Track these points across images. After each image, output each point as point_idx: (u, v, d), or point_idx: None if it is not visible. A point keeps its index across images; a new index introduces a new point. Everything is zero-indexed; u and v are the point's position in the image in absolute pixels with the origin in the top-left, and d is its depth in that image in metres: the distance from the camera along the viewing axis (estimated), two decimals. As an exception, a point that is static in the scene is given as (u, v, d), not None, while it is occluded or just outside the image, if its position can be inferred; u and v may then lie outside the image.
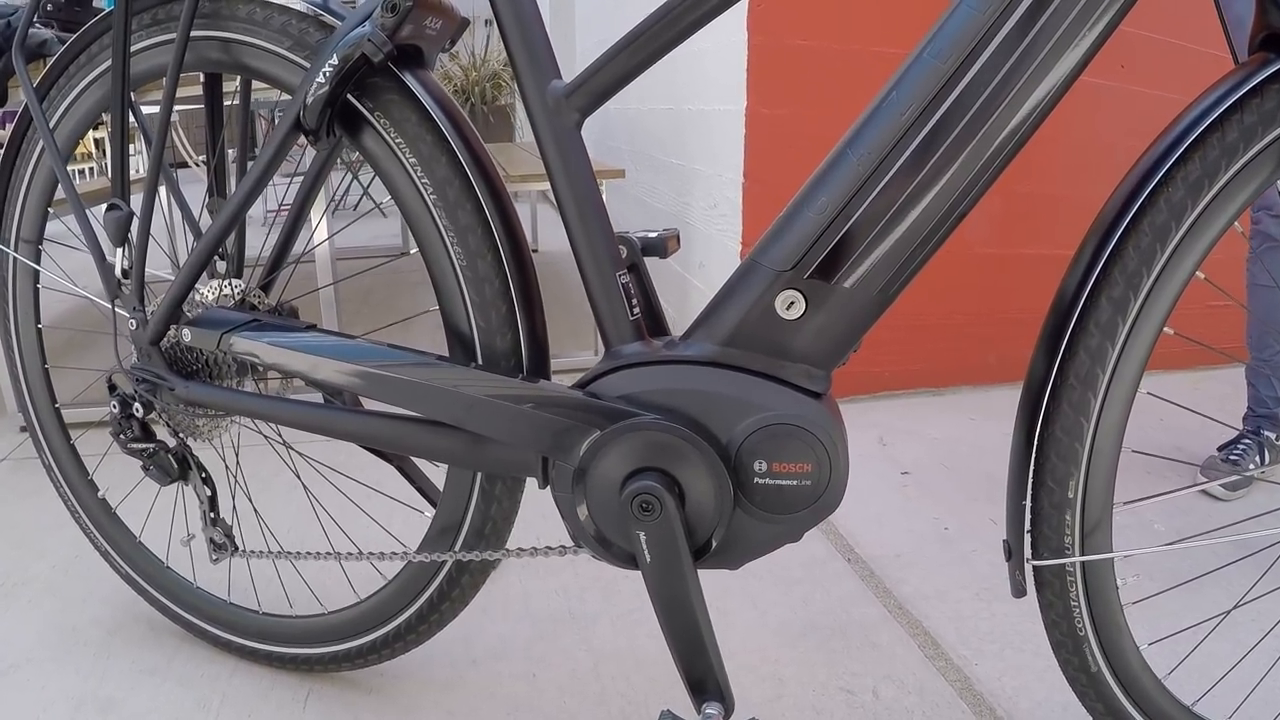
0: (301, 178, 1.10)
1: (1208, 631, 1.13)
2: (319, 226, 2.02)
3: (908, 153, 0.67)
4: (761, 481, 0.74)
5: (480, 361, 0.85)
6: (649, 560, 0.76)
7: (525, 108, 0.79)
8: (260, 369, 1.00)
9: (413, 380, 0.81)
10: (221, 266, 1.10)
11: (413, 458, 1.12)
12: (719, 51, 1.93)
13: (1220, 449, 1.65)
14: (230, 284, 1.04)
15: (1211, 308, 2.19)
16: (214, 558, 1.07)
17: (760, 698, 1.05)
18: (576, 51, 4.04)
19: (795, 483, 0.74)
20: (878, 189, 0.68)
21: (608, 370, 0.77)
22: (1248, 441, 1.62)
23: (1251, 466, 1.59)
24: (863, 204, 0.69)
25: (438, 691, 1.07)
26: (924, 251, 0.70)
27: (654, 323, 0.83)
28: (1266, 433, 1.63)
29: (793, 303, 0.72)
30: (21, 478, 1.70)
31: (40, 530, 1.47)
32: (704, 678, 0.80)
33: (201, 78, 1.08)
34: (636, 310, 0.79)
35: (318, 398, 1.02)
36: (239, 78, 1.03)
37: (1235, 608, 1.19)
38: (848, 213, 0.69)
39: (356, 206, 4.89)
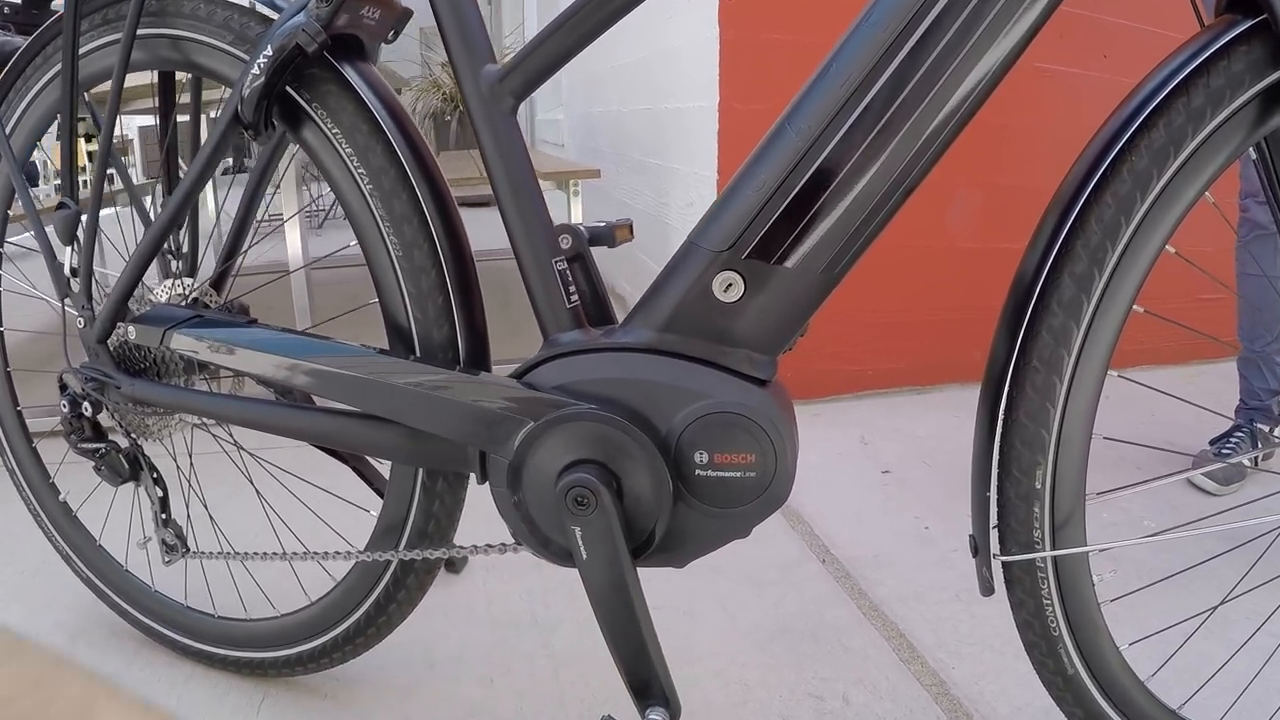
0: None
1: (1194, 629, 1.06)
2: (290, 225, 1.98)
3: (847, 125, 0.62)
4: (703, 474, 0.69)
5: (419, 354, 0.80)
6: (585, 557, 0.70)
7: (460, 93, 0.75)
8: (204, 366, 0.95)
9: (347, 373, 0.76)
10: (176, 266, 1.06)
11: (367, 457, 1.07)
12: (692, 48, 1.88)
13: (1213, 442, 1.58)
14: (182, 283, 1.01)
15: (1202, 300, 2.12)
16: (166, 559, 1.03)
17: (724, 703, 0.99)
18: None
19: (739, 474, 0.68)
20: (817, 164, 0.63)
21: (544, 360, 0.72)
22: (1241, 434, 1.55)
23: (1244, 458, 1.52)
24: (801, 179, 0.63)
25: (394, 697, 1.02)
26: (869, 228, 0.65)
27: (601, 314, 0.77)
28: (1259, 424, 1.56)
29: (730, 284, 0.66)
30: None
31: (9, 537, 1.42)
32: (648, 681, 0.74)
33: (154, 77, 1.04)
34: (575, 298, 0.74)
35: (270, 396, 0.97)
36: (190, 76, 1.00)
37: (1224, 603, 1.12)
38: (786, 189, 0.64)
39: (325, 218, 4.90)
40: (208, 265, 1.05)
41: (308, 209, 4.52)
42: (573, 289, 0.73)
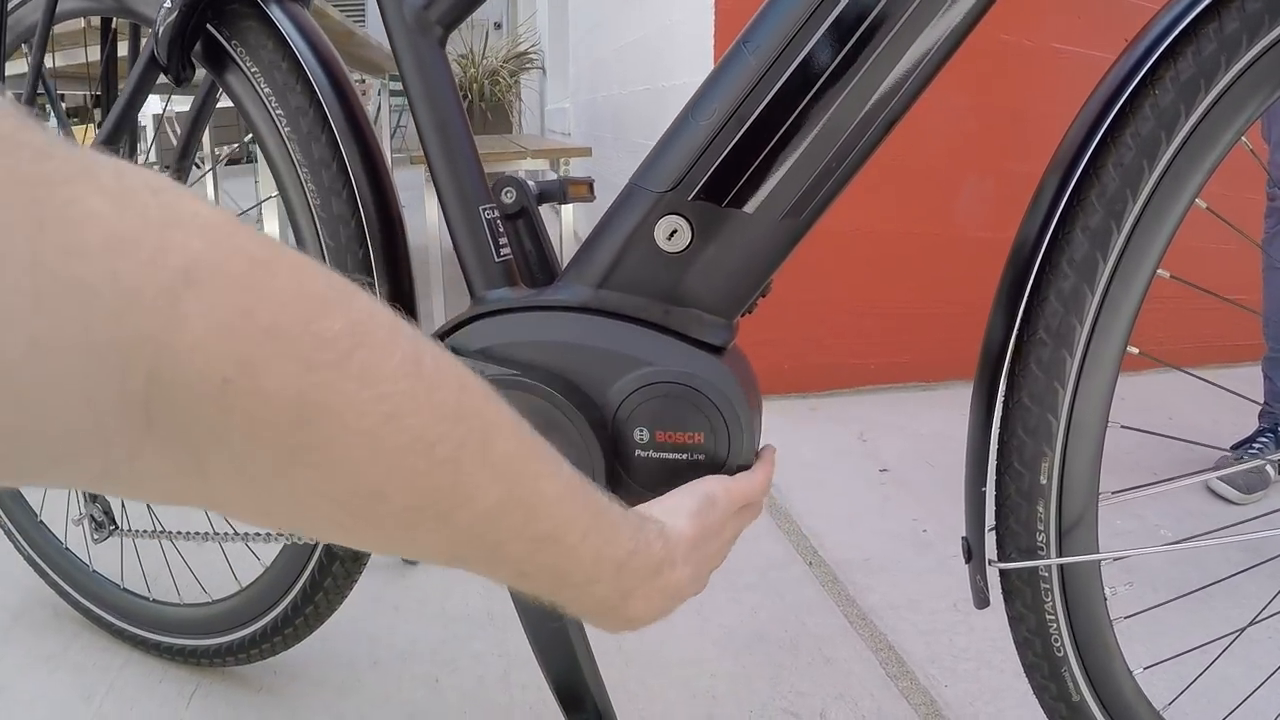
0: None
1: (1216, 653, 0.92)
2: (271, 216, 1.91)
3: (813, 41, 0.50)
4: (643, 454, 0.57)
5: (336, 313, 0.69)
6: (504, 549, 0.58)
7: (383, 23, 0.64)
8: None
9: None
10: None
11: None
12: (688, 23, 1.77)
13: (1234, 447, 1.43)
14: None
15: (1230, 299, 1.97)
16: (95, 536, 0.95)
17: (687, 717, 0.87)
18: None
19: (684, 456, 0.56)
20: (776, 87, 0.51)
21: (468, 319, 0.60)
22: (1265, 439, 1.40)
23: (1270, 468, 1.37)
24: (758, 106, 0.51)
25: (331, 694, 0.91)
26: (841, 166, 0.53)
27: (547, 276, 0.66)
28: (1285, 429, 1.41)
29: (675, 231, 0.54)
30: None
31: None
32: (579, 694, 0.62)
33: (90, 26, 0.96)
34: (506, 251, 0.62)
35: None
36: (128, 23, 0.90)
37: (1252, 624, 0.98)
38: (740, 118, 0.52)
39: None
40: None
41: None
42: (503, 240, 0.62)
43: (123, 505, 0.96)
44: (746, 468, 0.56)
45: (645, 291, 0.56)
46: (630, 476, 0.57)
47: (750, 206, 0.53)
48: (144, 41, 0.78)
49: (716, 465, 0.56)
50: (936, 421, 1.68)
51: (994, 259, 2.02)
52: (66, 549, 1.05)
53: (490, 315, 0.59)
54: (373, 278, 0.68)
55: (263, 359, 0.25)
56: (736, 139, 0.52)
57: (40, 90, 0.86)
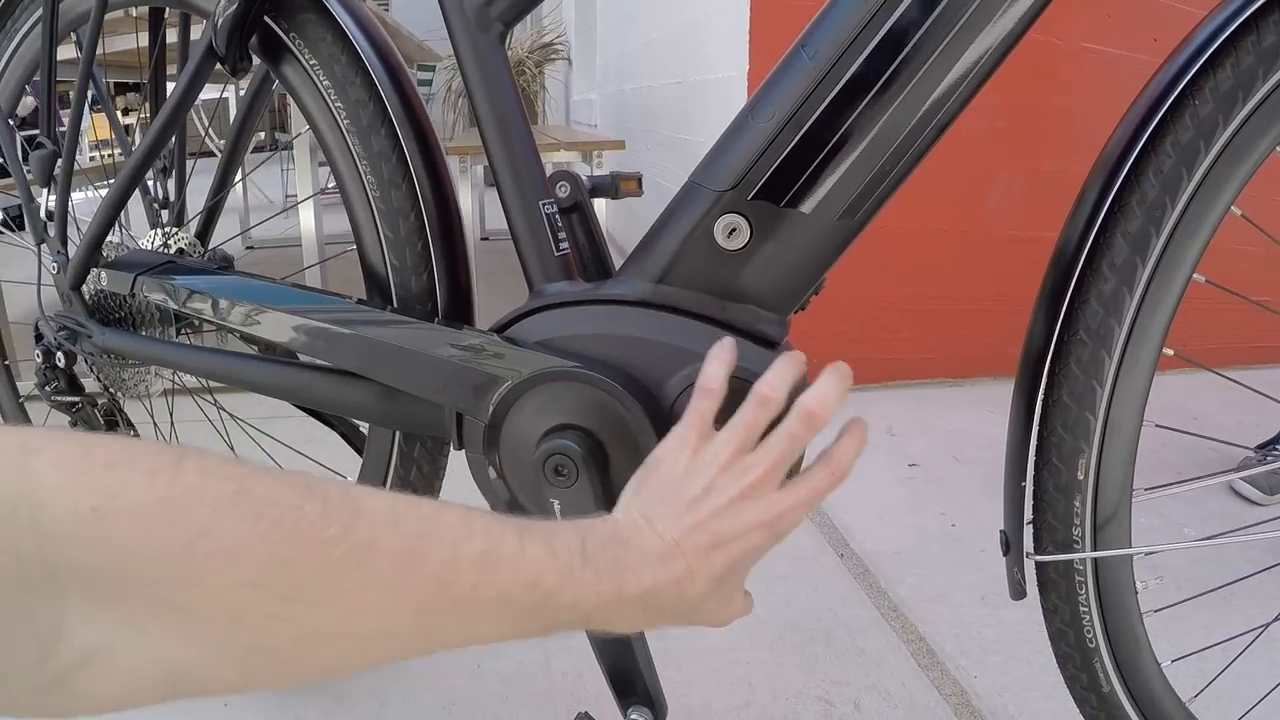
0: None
1: (1241, 648, 0.96)
2: (305, 204, 1.95)
3: (870, 48, 0.54)
4: (699, 445, 0.61)
5: (395, 304, 0.74)
6: (564, 534, 0.63)
7: (444, 20, 0.68)
8: (179, 316, 0.90)
9: (316, 324, 0.70)
10: (165, 217, 1.02)
11: (353, 421, 1.01)
12: (722, 16, 1.81)
13: (1258, 448, 1.47)
14: (167, 233, 0.96)
15: (1263, 301, 2.00)
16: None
17: (724, 705, 0.92)
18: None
19: (739, 447, 0.60)
20: (834, 92, 0.55)
21: (528, 312, 0.64)
22: (1293, 442, 1.44)
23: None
24: (816, 110, 0.56)
25: (374, 679, 0.96)
26: (895, 169, 0.57)
27: (600, 270, 0.70)
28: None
29: (734, 229, 0.58)
30: None
31: None
32: (630, 678, 0.67)
33: (140, 15, 1.00)
34: (565, 245, 0.66)
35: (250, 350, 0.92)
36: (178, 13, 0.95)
37: (1276, 620, 1.02)
38: (799, 121, 0.56)
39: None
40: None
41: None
42: (561, 235, 0.66)
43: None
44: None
45: (703, 287, 0.61)
46: (685, 465, 0.62)
47: (807, 206, 0.57)
48: (197, 31, 0.83)
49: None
50: (963, 418, 1.73)
51: (1022, 257, 2.10)
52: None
53: (550, 308, 0.64)
54: (432, 269, 0.72)
55: (116, 483, 0.30)
56: (795, 141, 0.56)
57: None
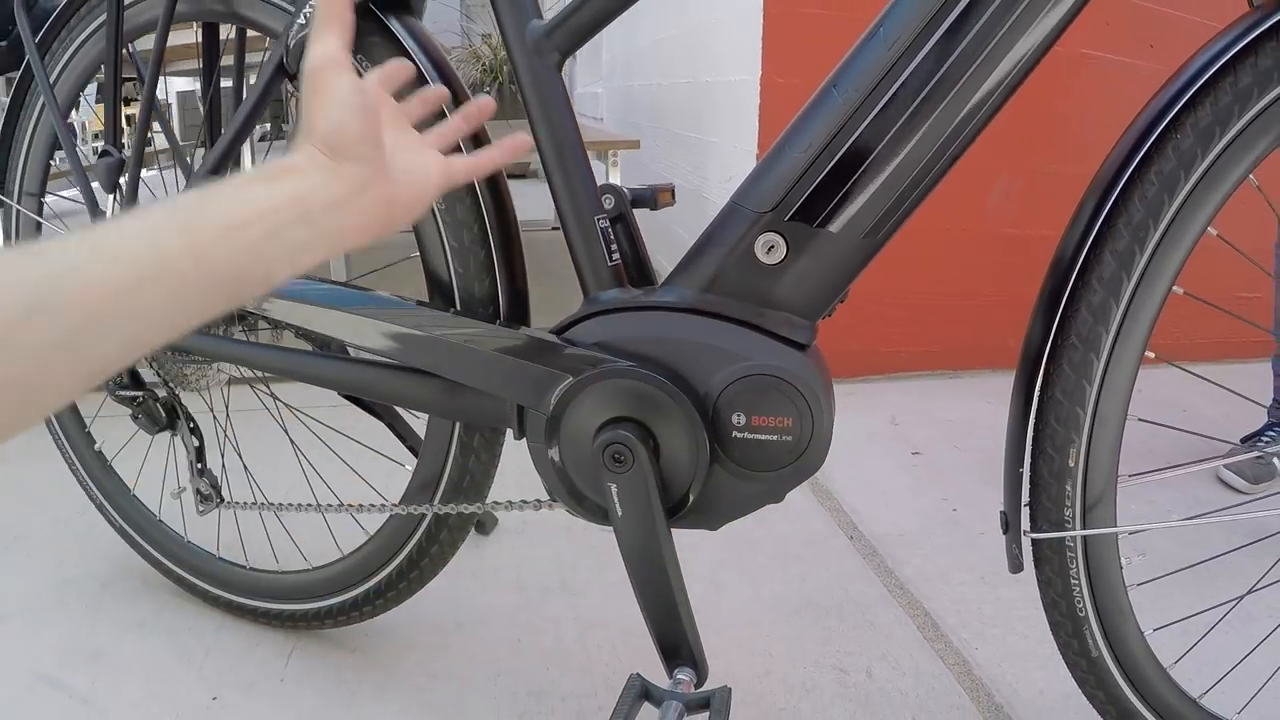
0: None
1: (1217, 619, 1.06)
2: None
3: (894, 89, 0.63)
4: (740, 435, 0.70)
5: (459, 308, 0.82)
6: (620, 514, 0.72)
7: (505, 47, 0.77)
8: (244, 316, 0.98)
9: (387, 325, 0.79)
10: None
11: (398, 411, 1.10)
12: (735, 21, 1.89)
13: (1244, 440, 1.57)
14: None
15: (1240, 298, 2.11)
16: (200, 509, 1.07)
17: (748, 673, 1.02)
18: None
19: (775, 437, 0.70)
20: (862, 127, 0.64)
21: (584, 316, 0.74)
22: (1273, 432, 1.55)
23: (1277, 460, 1.51)
24: (846, 143, 0.65)
25: (421, 653, 1.05)
26: (913, 194, 0.66)
27: (641, 274, 0.79)
28: (1294, 423, 1.56)
29: (773, 246, 0.68)
30: (31, 439, 1.68)
31: (45, 488, 1.47)
32: (677, 642, 0.76)
33: (198, 29, 1.07)
34: (616, 256, 0.75)
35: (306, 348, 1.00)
36: (234, 29, 1.02)
37: (1249, 593, 1.13)
38: (830, 151, 0.65)
39: None
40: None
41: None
42: (614, 247, 0.75)
43: (226, 479, 1.09)
44: (824, 445, 0.70)
45: (743, 296, 0.70)
46: (727, 454, 0.71)
47: (836, 226, 0.67)
48: (264, 51, 0.89)
49: (802, 443, 0.70)
50: (962, 408, 1.84)
51: (1019, 254, 2.23)
52: (160, 520, 1.18)
53: (606, 313, 0.73)
54: (495, 276, 0.81)
55: None
56: (827, 170, 0.65)
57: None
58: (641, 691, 0.73)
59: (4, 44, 1.54)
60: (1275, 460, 1.51)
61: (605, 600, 1.15)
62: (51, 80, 1.05)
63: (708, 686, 0.75)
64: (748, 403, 0.69)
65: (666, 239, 2.56)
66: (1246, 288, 2.05)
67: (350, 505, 0.96)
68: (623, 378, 0.71)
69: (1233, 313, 0.97)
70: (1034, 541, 0.78)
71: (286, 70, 0.83)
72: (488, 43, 3.95)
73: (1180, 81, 0.66)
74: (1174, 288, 0.68)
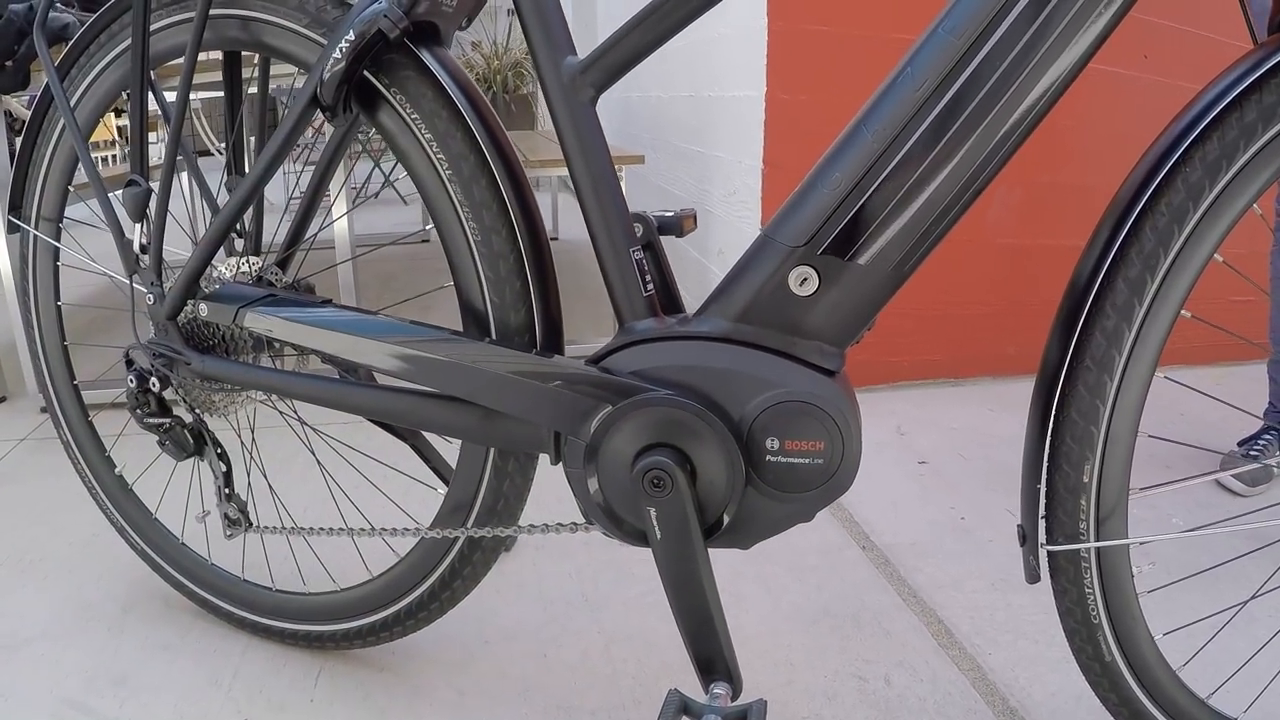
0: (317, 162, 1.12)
1: (1223, 623, 1.13)
2: (336, 203, 2.04)
3: (922, 129, 0.68)
4: (773, 459, 0.75)
5: (494, 337, 0.86)
6: (659, 537, 0.77)
7: (540, 84, 0.81)
8: (275, 344, 1.01)
9: (426, 355, 0.83)
10: (240, 245, 1.12)
11: (426, 435, 1.14)
12: (739, 37, 1.93)
13: (1241, 444, 1.64)
14: (248, 262, 1.06)
15: (1234, 302, 2.18)
16: (228, 533, 1.09)
17: (771, 682, 1.06)
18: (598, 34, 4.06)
19: (808, 461, 0.75)
20: (892, 165, 0.69)
21: (621, 346, 0.78)
22: (1269, 436, 1.61)
23: (1273, 461, 1.58)
24: (876, 180, 0.69)
25: (449, 670, 1.09)
26: (939, 228, 0.71)
27: (669, 301, 0.84)
28: (1290, 427, 1.62)
29: (806, 279, 0.72)
30: (41, 458, 1.74)
31: (59, 509, 1.50)
32: (713, 657, 0.81)
33: (221, 56, 1.10)
34: (650, 287, 0.80)
35: (333, 374, 1.03)
36: (257, 56, 1.05)
37: (1253, 598, 1.19)
38: (862, 188, 0.70)
39: (378, 195, 4.93)
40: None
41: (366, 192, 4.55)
42: (648, 278, 0.80)
43: (251, 498, 1.13)
44: (854, 467, 0.75)
45: (777, 326, 0.74)
46: (761, 478, 0.76)
47: (865, 259, 0.71)
48: (292, 81, 0.93)
49: (833, 466, 0.75)
50: (966, 416, 1.90)
51: (1019, 263, 2.30)
52: (183, 544, 1.21)
53: (642, 343, 0.77)
54: (530, 305, 0.85)
55: None
56: (858, 207, 0.70)
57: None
58: (681, 706, 0.78)
59: (9, 64, 1.57)
60: (1273, 465, 1.57)
61: (628, 614, 1.19)
62: (71, 105, 1.07)
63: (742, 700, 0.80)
64: (782, 428, 0.74)
65: (667, 245, 2.61)
66: (1243, 291, 2.13)
67: (384, 530, 1.00)
68: (662, 405, 0.75)
69: (1231, 331, 1.02)
70: (1050, 553, 0.83)
71: (320, 102, 0.86)
72: (480, 51, 3.97)
73: (1190, 116, 0.71)
74: (1182, 311, 0.73)
